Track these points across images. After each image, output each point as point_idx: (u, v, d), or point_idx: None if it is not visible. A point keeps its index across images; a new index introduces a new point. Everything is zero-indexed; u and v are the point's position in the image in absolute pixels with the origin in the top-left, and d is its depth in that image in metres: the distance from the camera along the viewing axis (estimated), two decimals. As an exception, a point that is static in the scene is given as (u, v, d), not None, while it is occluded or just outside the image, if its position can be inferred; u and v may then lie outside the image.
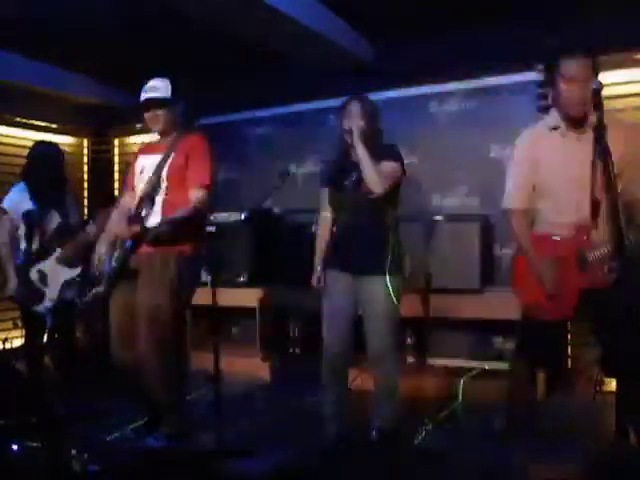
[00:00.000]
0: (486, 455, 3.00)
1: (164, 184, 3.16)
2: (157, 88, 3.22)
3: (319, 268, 3.21)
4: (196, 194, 3.14)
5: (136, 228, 3.08)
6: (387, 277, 3.00)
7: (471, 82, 4.87)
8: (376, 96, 5.15)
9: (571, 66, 2.53)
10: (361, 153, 2.98)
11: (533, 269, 2.61)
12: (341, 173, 3.17)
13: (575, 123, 2.55)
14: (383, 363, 3.06)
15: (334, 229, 3.18)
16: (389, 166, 3.03)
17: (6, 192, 4.07)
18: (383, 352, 3.04)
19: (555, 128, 2.59)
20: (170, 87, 3.25)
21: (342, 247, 3.13)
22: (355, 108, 3.10)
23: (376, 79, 5.06)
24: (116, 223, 3.22)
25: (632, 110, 4.23)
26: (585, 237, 2.49)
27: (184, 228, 3.10)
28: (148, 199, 3.16)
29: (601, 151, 2.42)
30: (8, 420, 2.85)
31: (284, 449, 3.05)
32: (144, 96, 3.25)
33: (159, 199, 3.16)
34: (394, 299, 3.03)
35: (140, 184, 3.25)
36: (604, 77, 4.05)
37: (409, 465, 2.98)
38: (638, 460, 1.95)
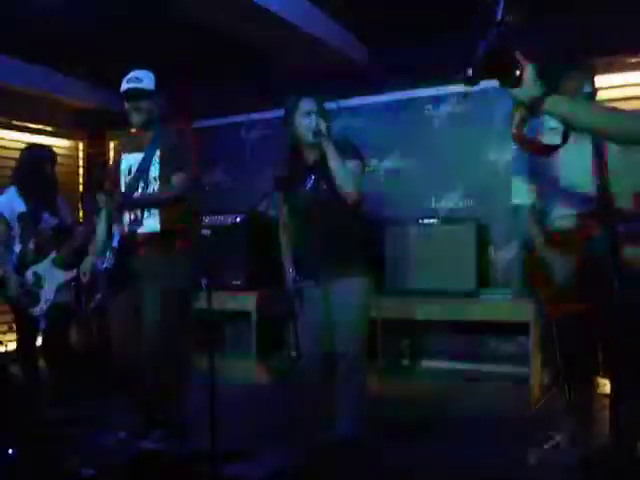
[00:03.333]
0: (481, 458, 3.02)
1: (155, 184, 3.14)
2: (140, 79, 3.14)
3: (291, 270, 3.08)
4: (177, 179, 3.10)
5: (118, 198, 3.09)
6: (355, 281, 2.92)
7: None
8: (371, 99, 5.22)
9: (570, 85, 2.63)
10: (333, 156, 2.83)
11: (542, 262, 2.73)
12: (296, 176, 3.02)
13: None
14: (350, 371, 2.94)
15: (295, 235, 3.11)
16: (356, 166, 2.91)
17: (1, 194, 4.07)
18: (350, 360, 2.92)
19: (554, 128, 2.56)
20: (153, 79, 3.18)
21: (305, 255, 3.04)
22: (312, 106, 2.93)
23: (371, 82, 5.08)
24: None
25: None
26: (592, 227, 2.56)
27: (174, 220, 3.09)
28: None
29: (595, 151, 2.46)
30: (4, 424, 2.84)
31: (281, 452, 3.04)
32: (126, 86, 3.16)
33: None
34: (362, 303, 2.95)
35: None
36: (598, 80, 4.14)
37: (404, 466, 2.99)
38: (633, 463, 1.97)
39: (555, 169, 2.73)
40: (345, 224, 2.96)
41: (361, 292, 2.95)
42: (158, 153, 3.14)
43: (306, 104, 2.94)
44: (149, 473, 2.76)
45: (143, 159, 3.15)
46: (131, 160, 3.24)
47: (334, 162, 2.84)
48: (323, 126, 2.86)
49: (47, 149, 4.21)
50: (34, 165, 3.99)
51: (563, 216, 2.71)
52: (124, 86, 3.16)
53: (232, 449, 2.86)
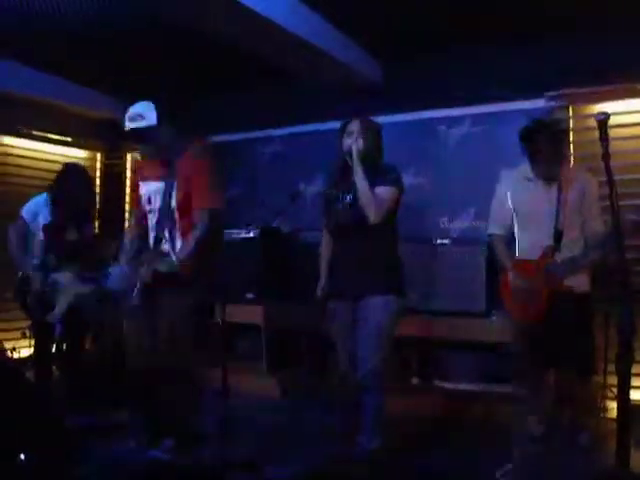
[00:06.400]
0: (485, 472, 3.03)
1: (176, 214, 3.17)
2: (142, 116, 3.09)
3: (323, 280, 3.24)
4: (201, 217, 3.12)
5: (150, 274, 3.07)
6: (382, 297, 2.97)
7: (480, 107, 4.93)
8: (385, 118, 5.25)
9: (541, 159, 3.22)
10: (359, 178, 2.93)
11: (510, 281, 3.34)
12: (338, 193, 3.13)
13: (545, 179, 3.30)
14: (369, 387, 2.98)
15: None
16: (386, 192, 2.98)
17: (23, 203, 4.16)
18: (370, 376, 2.97)
19: (529, 179, 3.34)
20: (155, 112, 3.11)
21: (337, 272, 3.13)
22: (356, 128, 3.04)
23: (386, 101, 5.13)
24: (127, 251, 3.26)
25: (635, 139, 4.30)
26: (550, 257, 3.23)
27: (198, 251, 3.12)
28: (164, 231, 3.18)
29: (608, 179, 2.56)
30: (16, 430, 2.87)
31: (290, 465, 3.06)
32: (129, 126, 3.12)
33: (177, 232, 3.17)
34: (387, 319, 2.99)
35: (150, 214, 3.26)
36: (611, 107, 4.20)
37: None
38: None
39: (526, 208, 3.34)
40: (375, 243, 3.03)
41: (386, 308, 2.99)
42: (176, 185, 3.15)
43: (350, 125, 3.08)
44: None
45: (164, 192, 3.16)
46: (149, 188, 3.27)
47: (359, 182, 2.94)
48: (355, 147, 2.97)
49: (84, 168, 4.32)
50: (68, 183, 4.07)
51: (530, 248, 3.30)
52: (127, 125, 3.12)
53: (241, 460, 2.89)
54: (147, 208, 3.28)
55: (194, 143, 3.27)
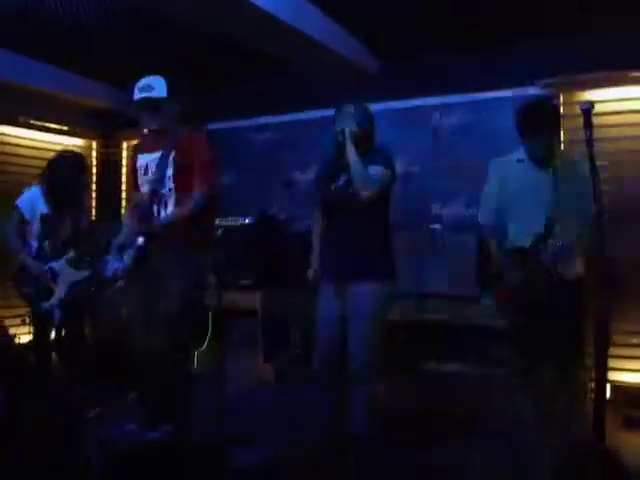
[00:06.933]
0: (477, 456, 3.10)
1: (171, 184, 3.18)
2: (152, 87, 3.14)
3: (314, 264, 3.27)
4: (197, 195, 3.14)
5: (143, 227, 3.12)
6: (373, 284, 2.99)
7: (472, 95, 4.97)
8: (379, 106, 5.30)
9: (537, 137, 3.13)
10: (351, 155, 2.99)
11: (502, 270, 3.25)
12: (332, 175, 3.18)
13: (538, 161, 3.20)
14: (361, 373, 2.98)
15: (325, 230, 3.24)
16: (378, 171, 3.02)
17: (21, 192, 4.19)
18: (363, 369, 2.97)
19: (521, 160, 3.24)
20: (165, 85, 3.17)
21: (329, 253, 3.16)
22: (349, 111, 3.12)
23: (380, 89, 5.16)
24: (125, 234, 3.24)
25: (626, 126, 4.36)
26: (541, 244, 3.12)
27: (191, 228, 3.13)
28: (159, 199, 3.19)
29: (591, 167, 2.61)
30: (19, 412, 2.94)
31: (283, 443, 3.12)
32: (139, 95, 3.15)
33: (170, 199, 3.19)
34: (379, 307, 3.01)
35: (146, 184, 3.26)
36: (600, 94, 4.25)
37: (401, 467, 3.06)
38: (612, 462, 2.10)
39: (517, 192, 3.24)
40: (367, 225, 3.06)
41: (377, 296, 3.01)
42: (173, 154, 3.18)
43: (345, 108, 3.15)
44: (155, 462, 2.83)
45: (160, 160, 3.18)
46: (146, 159, 3.28)
47: (351, 159, 2.99)
48: (348, 128, 3.04)
49: (77, 156, 4.31)
50: (62, 171, 4.09)
51: (522, 234, 3.20)
52: (136, 95, 3.17)
53: (237, 440, 2.94)
54: (143, 179, 3.28)
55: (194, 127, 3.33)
